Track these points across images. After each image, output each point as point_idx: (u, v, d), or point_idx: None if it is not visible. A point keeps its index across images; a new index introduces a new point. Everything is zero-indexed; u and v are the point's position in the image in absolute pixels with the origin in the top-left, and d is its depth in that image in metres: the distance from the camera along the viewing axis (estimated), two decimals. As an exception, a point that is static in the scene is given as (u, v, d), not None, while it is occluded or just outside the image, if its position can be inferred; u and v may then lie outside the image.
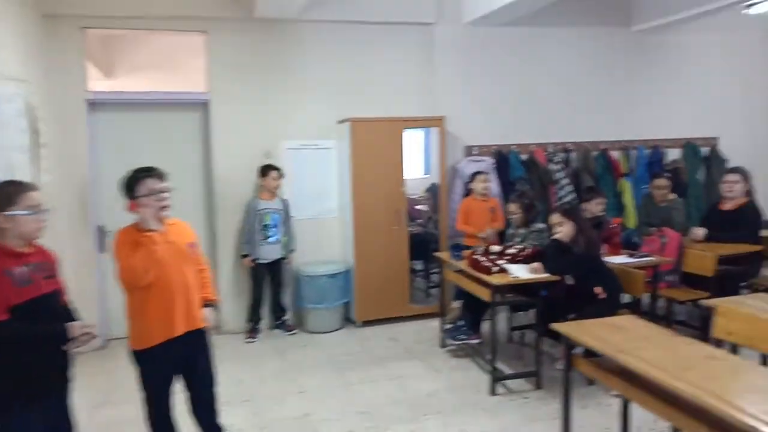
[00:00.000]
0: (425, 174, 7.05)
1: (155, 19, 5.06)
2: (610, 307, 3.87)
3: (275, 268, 5.23)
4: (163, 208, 2.70)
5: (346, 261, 5.52)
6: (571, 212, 3.89)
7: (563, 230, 3.88)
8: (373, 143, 5.34)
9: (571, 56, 6.31)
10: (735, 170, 4.91)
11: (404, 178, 5.48)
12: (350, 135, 5.27)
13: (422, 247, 5.93)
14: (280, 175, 5.18)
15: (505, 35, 6.05)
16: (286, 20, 5.35)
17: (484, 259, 4.13)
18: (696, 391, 1.97)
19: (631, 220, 6.19)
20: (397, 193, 5.45)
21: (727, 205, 4.83)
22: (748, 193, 4.84)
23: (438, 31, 5.88)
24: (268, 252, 5.14)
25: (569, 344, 2.75)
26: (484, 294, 3.97)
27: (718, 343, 3.00)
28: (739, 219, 4.72)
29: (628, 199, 6.38)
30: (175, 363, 2.79)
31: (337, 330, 5.34)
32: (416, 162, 6.93)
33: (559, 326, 2.78)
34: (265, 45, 5.35)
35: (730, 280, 4.64)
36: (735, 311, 2.84)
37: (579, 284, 3.95)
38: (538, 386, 3.96)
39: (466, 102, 6.00)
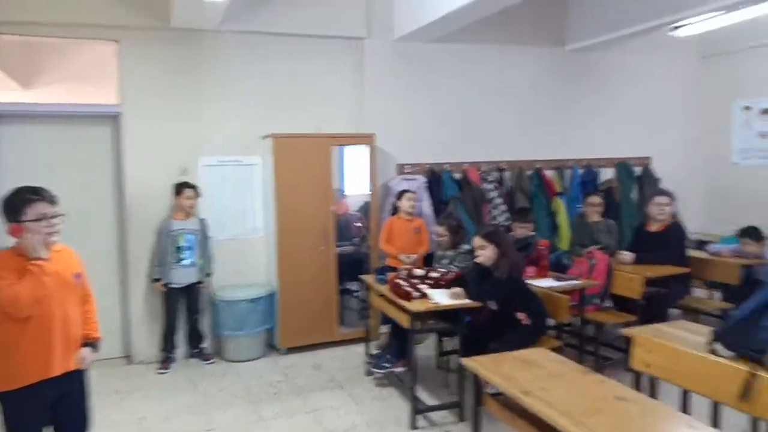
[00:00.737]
0: (370, 191, 6.85)
1: (64, 27, 4.70)
2: (533, 333, 3.74)
3: (190, 293, 4.89)
4: (52, 234, 2.44)
5: (270, 284, 5.23)
6: (493, 235, 3.73)
7: (485, 254, 3.72)
8: (299, 160, 5.10)
9: (505, 74, 6.24)
10: (664, 192, 4.90)
11: (343, 194, 5.24)
12: (273, 151, 5.02)
13: (356, 267, 5.71)
14: (196, 194, 4.86)
15: (438, 52, 5.93)
16: (204, 30, 5.07)
17: (405, 283, 3.93)
18: (597, 441, 1.80)
19: (564, 240, 6.13)
20: (324, 212, 5.21)
21: (654, 227, 4.80)
22: (673, 214, 4.82)
23: (369, 45, 5.70)
24: (182, 276, 4.80)
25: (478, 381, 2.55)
26: (404, 320, 3.77)
27: (638, 376, 2.88)
28: (665, 240, 4.69)
29: (563, 218, 6.32)
30: (47, 406, 2.50)
31: (258, 358, 5.03)
32: (360, 178, 6.73)
33: (468, 361, 2.59)
34: (181, 56, 5.05)
35: (659, 302, 4.60)
36: (652, 342, 2.71)
37: (502, 310, 3.80)
38: (461, 418, 3.76)
39: (399, 119, 5.83)
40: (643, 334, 2.77)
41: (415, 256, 4.98)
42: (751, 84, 6.61)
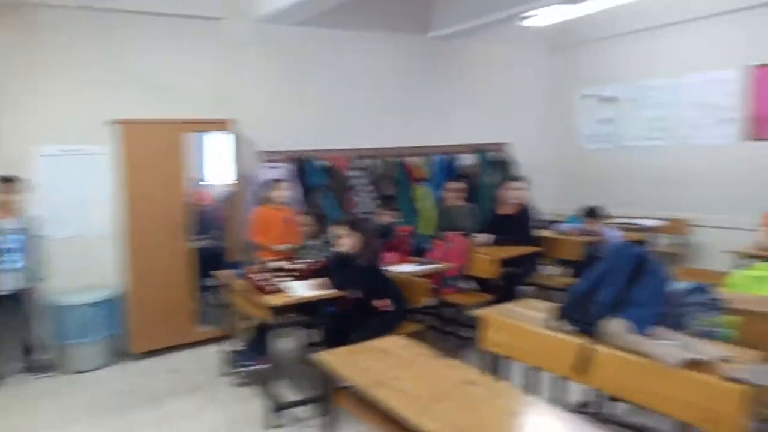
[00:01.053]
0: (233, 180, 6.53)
1: None
2: (395, 319, 3.74)
3: (17, 301, 4.33)
4: None
5: (118, 284, 4.80)
6: (355, 223, 3.68)
7: (347, 242, 3.65)
8: (149, 148, 4.72)
9: (369, 61, 6.21)
10: (518, 178, 5.14)
11: (204, 184, 4.90)
12: (121, 139, 4.59)
13: (219, 261, 5.40)
14: (17, 188, 4.30)
15: (300, 35, 5.75)
16: (31, 5, 4.49)
17: (263, 277, 3.75)
18: (440, 427, 1.77)
19: (427, 225, 6.24)
20: (177, 204, 4.86)
21: (506, 210, 5.02)
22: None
23: (227, 26, 5.39)
24: (4, 281, 4.23)
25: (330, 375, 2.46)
26: (263, 315, 3.60)
27: (492, 357, 2.94)
28: (517, 222, 4.92)
29: (426, 204, 6.44)
30: None
31: (106, 366, 4.60)
32: (223, 167, 6.37)
33: (321, 355, 2.49)
34: (3, 35, 4.44)
35: (513, 281, 4.81)
36: (501, 322, 2.78)
37: (365, 298, 3.75)
38: (325, 412, 3.67)
39: (261, 105, 5.60)
40: (491, 315, 2.83)
41: (290, 246, 4.81)
42: (595, 73, 7.13)
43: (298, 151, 5.75)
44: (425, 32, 6.44)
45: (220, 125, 5.14)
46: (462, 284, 4.72)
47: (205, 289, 5.56)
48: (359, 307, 3.79)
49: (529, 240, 4.94)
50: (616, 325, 2.31)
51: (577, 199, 6.00)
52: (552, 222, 6.21)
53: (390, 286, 3.76)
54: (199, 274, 5.12)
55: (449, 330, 4.59)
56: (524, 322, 2.72)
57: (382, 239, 4.58)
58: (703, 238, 6.10)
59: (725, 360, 2.13)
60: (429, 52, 6.55)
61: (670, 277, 2.54)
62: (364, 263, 3.58)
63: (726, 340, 2.64)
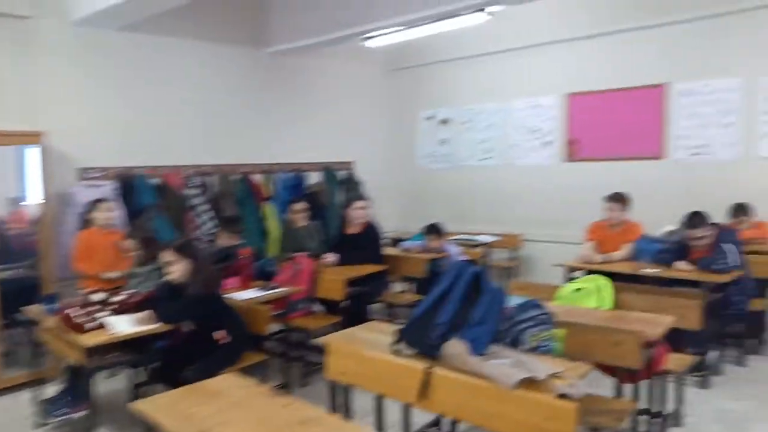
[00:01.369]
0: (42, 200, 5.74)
1: None
2: (234, 351, 3.48)
3: None
4: None
5: None
6: (185, 248, 3.36)
7: (177, 269, 3.33)
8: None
9: (205, 72, 5.88)
10: (362, 197, 5.13)
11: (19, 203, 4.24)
12: None
13: (29, 294, 4.69)
14: None
15: (128, 42, 5.28)
16: None
17: (79, 312, 3.29)
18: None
19: (274, 247, 6.02)
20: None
21: (352, 229, 4.98)
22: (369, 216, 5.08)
23: (38, 27, 4.78)
24: None
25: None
26: (77, 357, 3.14)
27: (333, 387, 2.82)
28: (363, 241, 4.89)
29: (272, 224, 6.21)
30: None
31: None
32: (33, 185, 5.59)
33: (139, 405, 2.18)
34: None
35: (361, 301, 4.76)
36: (343, 348, 2.67)
37: (200, 329, 3.45)
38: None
39: (80, 116, 5.04)
40: (334, 342, 2.71)
41: (118, 273, 4.31)
42: (432, 96, 7.41)
43: (126, 167, 5.24)
44: (264, 47, 6.23)
45: (28, 138, 4.50)
46: (310, 307, 4.56)
47: (13, 326, 4.82)
48: (193, 341, 3.47)
49: (376, 259, 4.93)
50: (454, 347, 2.31)
51: (419, 217, 6.16)
52: (397, 240, 6.32)
53: (228, 315, 3.49)
54: (7, 309, 4.43)
55: (297, 356, 4.40)
56: (367, 347, 2.63)
57: (222, 263, 4.30)
58: (535, 252, 6.56)
59: (556, 376, 2.19)
60: (270, 67, 6.36)
61: (504, 294, 2.59)
62: (196, 292, 3.28)
63: (557, 353, 2.78)
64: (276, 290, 4.05)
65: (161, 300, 3.34)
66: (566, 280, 4.56)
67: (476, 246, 6.17)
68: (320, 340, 2.80)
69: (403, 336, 2.52)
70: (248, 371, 3.66)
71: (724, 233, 4.17)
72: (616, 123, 5.90)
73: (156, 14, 4.79)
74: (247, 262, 4.19)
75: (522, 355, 2.44)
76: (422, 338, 2.44)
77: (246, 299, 3.84)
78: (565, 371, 2.25)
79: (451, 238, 5.74)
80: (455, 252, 5.45)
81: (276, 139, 6.48)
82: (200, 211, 5.61)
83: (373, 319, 4.71)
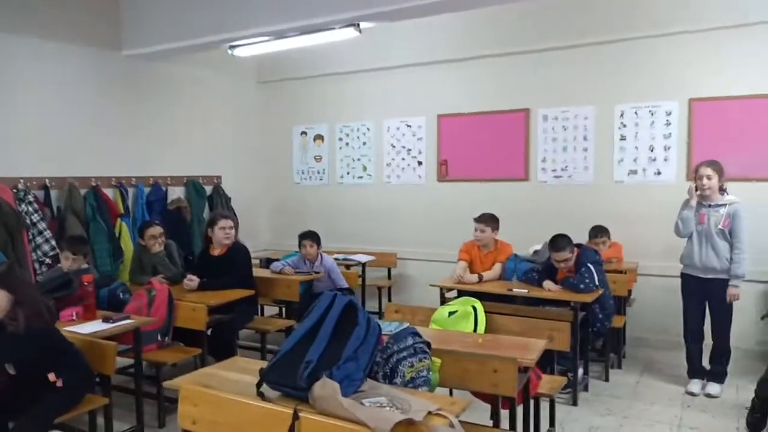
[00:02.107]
0: None
1: None
2: (69, 397, 2.98)
3: None
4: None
5: None
6: (2, 277, 2.81)
7: (-7, 303, 2.78)
8: None
9: (50, 75, 5.18)
10: (227, 215, 4.76)
11: None
12: None
13: None
14: None
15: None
16: None
17: None
18: None
19: (129, 269, 5.41)
20: None
21: (217, 250, 4.59)
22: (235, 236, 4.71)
23: None
24: None
25: None
26: None
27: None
28: (229, 263, 4.51)
29: (127, 243, 5.60)
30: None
31: None
32: None
33: None
34: None
35: (226, 329, 4.37)
36: (200, 393, 2.32)
37: (23, 372, 2.92)
38: None
39: None
40: (185, 386, 2.35)
41: None
42: (306, 111, 7.17)
43: (-58, 179, 4.46)
44: (119, 49, 5.64)
45: None
46: (165, 339, 4.09)
47: None
48: (17, 387, 2.93)
49: (244, 282, 4.57)
50: (323, 388, 2.06)
51: (294, 235, 5.87)
52: (270, 260, 5.98)
53: (62, 354, 2.98)
54: None
55: (152, 393, 3.92)
56: (225, 390, 2.31)
57: (60, 292, 3.73)
58: (410, 271, 6.53)
59: (434, 414, 2.03)
60: (127, 71, 5.76)
61: (379, 326, 2.40)
62: (18, 330, 2.75)
63: (433, 384, 2.64)
64: (124, 322, 3.55)
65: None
66: (441, 300, 4.51)
67: (352, 265, 6.01)
68: (170, 383, 2.43)
69: (267, 376, 2.24)
70: (92, 416, 3.20)
71: (587, 253, 4.33)
72: (484, 145, 6.04)
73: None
74: (90, 290, 3.64)
75: (398, 391, 2.26)
76: (289, 378, 2.17)
77: (88, 333, 3.33)
78: (444, 407, 2.10)
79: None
80: (330, 264, 5.24)
81: (133, 150, 5.89)
82: (38, 230, 4.90)
83: (235, 351, 4.41)
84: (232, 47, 5.15)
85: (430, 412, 2.04)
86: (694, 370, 4.38)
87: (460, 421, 2.86)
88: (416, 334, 2.61)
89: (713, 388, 4.26)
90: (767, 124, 4.90)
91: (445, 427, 1.98)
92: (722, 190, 4.17)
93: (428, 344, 2.61)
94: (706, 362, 4.38)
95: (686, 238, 4.27)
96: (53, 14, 5.10)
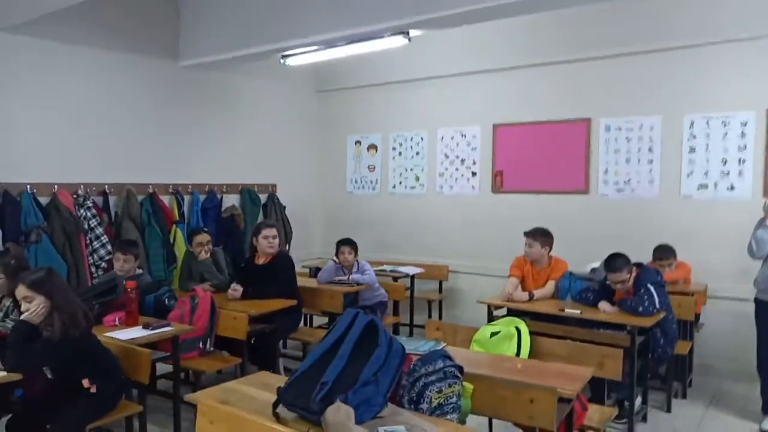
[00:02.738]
0: None
1: None
2: (102, 402, 3.01)
3: None
4: None
5: None
6: (41, 283, 2.87)
7: (33, 308, 2.83)
8: None
9: (111, 84, 5.36)
10: (272, 224, 4.75)
11: None
12: None
13: None
14: None
15: (16, 44, 4.73)
16: None
17: None
18: None
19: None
20: None
21: (262, 259, 4.58)
22: (280, 245, 4.69)
23: None
24: None
25: None
26: None
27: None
28: (273, 272, 4.49)
29: (181, 249, 5.70)
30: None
31: None
32: None
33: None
34: None
35: (268, 340, 4.35)
36: (217, 410, 2.26)
37: (61, 377, 2.97)
38: None
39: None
40: (205, 399, 2.30)
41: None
42: (361, 120, 7.13)
43: (7, 183, 4.67)
44: (176, 59, 5.77)
45: None
46: (206, 347, 4.10)
47: None
48: (55, 390, 2.99)
49: (287, 292, 4.53)
50: (337, 413, 1.94)
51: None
52: (319, 269, 5.94)
53: (98, 360, 3.01)
54: None
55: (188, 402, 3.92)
56: (243, 406, 2.24)
57: (105, 297, 3.81)
58: (462, 284, 6.33)
59: (452, 446, 1.88)
60: (185, 81, 5.90)
61: (403, 348, 2.27)
62: (54, 335, 2.80)
63: (464, 412, 2.47)
64: (163, 330, 3.57)
65: (11, 343, 2.82)
66: (489, 317, 4.32)
67: (400, 277, 5.89)
68: (190, 397, 2.38)
69: (284, 396, 2.14)
70: (128, 423, 3.23)
71: (647, 273, 4.02)
72: (542, 155, 5.77)
73: (56, 18, 4.33)
74: (132, 296, 3.69)
75: (420, 419, 2.11)
76: (304, 400, 2.07)
77: (126, 339, 3.36)
78: (464, 440, 1.94)
79: (375, 268, 5.44)
80: (368, 271, 5.12)
81: (189, 158, 6.01)
82: (96, 234, 5.07)
83: (277, 361, 4.38)
84: (284, 57, 5.16)
85: (448, 445, 1.89)
86: (770, 406, 3.97)
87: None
88: (447, 357, 2.46)
89: (790, 427, 3.85)
90: None
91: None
92: (803, 209, 3.77)
93: (460, 368, 2.45)
94: (783, 398, 3.96)
95: (761, 260, 3.89)
96: (115, 25, 5.28)
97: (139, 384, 3.24)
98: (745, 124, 4.84)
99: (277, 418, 2.12)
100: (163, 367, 3.98)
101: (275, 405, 2.14)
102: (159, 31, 5.64)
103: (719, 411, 4.27)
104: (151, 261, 5.43)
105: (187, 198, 5.96)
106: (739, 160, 4.88)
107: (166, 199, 5.75)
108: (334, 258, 5.21)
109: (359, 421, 1.99)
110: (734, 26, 4.77)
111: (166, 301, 4.30)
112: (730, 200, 4.90)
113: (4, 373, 2.79)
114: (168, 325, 3.68)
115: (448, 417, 2.32)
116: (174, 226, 5.75)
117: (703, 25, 4.90)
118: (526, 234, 4.57)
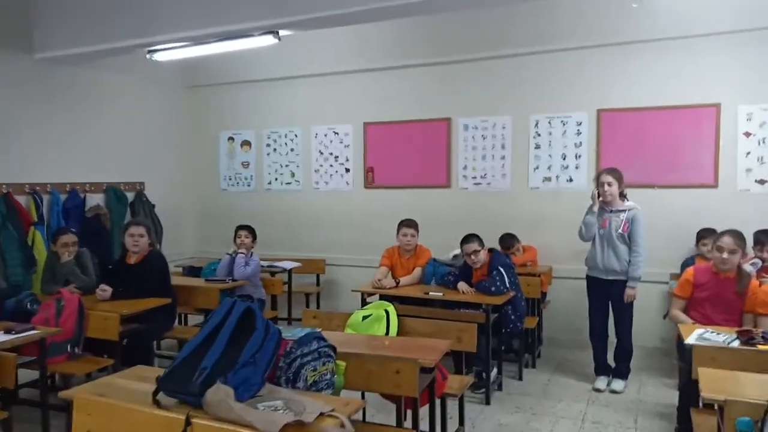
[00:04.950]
0: None
1: None
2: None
3: None
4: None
5: None
6: None
7: None
8: None
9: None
10: (140, 222, 4.68)
11: None
12: None
13: None
14: None
15: None
16: None
17: None
18: None
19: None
20: None
21: (133, 259, 4.51)
22: (152, 244, 4.63)
23: None
24: None
25: None
26: None
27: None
28: (145, 271, 4.44)
29: (41, 252, 5.40)
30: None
31: None
32: None
33: None
34: None
35: (141, 340, 4.29)
36: (94, 402, 2.29)
37: None
38: None
39: None
40: (79, 395, 2.32)
41: None
42: (233, 117, 7.13)
43: None
44: (30, 52, 5.45)
45: None
46: (75, 350, 3.98)
47: None
48: None
49: (161, 290, 4.49)
50: (217, 393, 2.08)
51: (221, 242, 5.84)
52: (193, 268, 5.91)
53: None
54: None
55: (57, 406, 3.79)
56: (121, 398, 2.29)
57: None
58: (339, 276, 6.57)
59: (325, 415, 2.09)
60: (40, 75, 5.58)
61: (279, 331, 2.44)
62: None
63: (338, 387, 2.69)
64: (28, 333, 3.44)
65: None
66: (363, 305, 4.58)
67: (277, 272, 6.00)
68: (64, 393, 2.39)
69: (164, 384, 2.24)
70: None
71: (498, 257, 4.51)
72: (409, 153, 6.18)
73: None
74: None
75: (296, 394, 2.30)
76: (184, 385, 2.18)
77: (-14, 346, 3.21)
78: (337, 408, 2.16)
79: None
80: (253, 269, 5.20)
81: (48, 156, 5.70)
82: (-59, 238, 4.68)
83: (152, 361, 4.34)
84: (152, 52, 5.07)
85: (322, 414, 2.10)
86: (600, 368, 4.62)
87: (366, 422, 2.95)
88: (321, 338, 2.67)
89: (617, 384, 4.50)
90: (667, 133, 5.24)
91: (336, 428, 2.04)
92: (623, 196, 4.43)
93: (333, 348, 2.67)
94: (612, 360, 4.62)
95: (589, 241, 4.51)
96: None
97: (3, 390, 3.12)
98: (580, 123, 5.55)
99: (158, 405, 2.21)
100: (26, 374, 3.82)
101: (155, 393, 2.23)
102: (11, 22, 5.29)
103: (562, 376, 4.88)
104: (7, 265, 5.12)
105: (46, 198, 5.65)
106: (576, 155, 5.59)
107: (22, 200, 5.42)
108: (229, 252, 5.25)
109: (239, 400, 2.14)
110: (571, 35, 5.44)
111: (29, 305, 4.10)
112: (570, 191, 5.59)
113: None
114: (33, 328, 3.54)
115: (323, 393, 2.54)
116: (32, 227, 5.43)
117: (545, 33, 5.55)
118: (407, 224, 4.88)
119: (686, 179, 5.21)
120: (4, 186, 5.26)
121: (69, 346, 3.95)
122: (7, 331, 3.43)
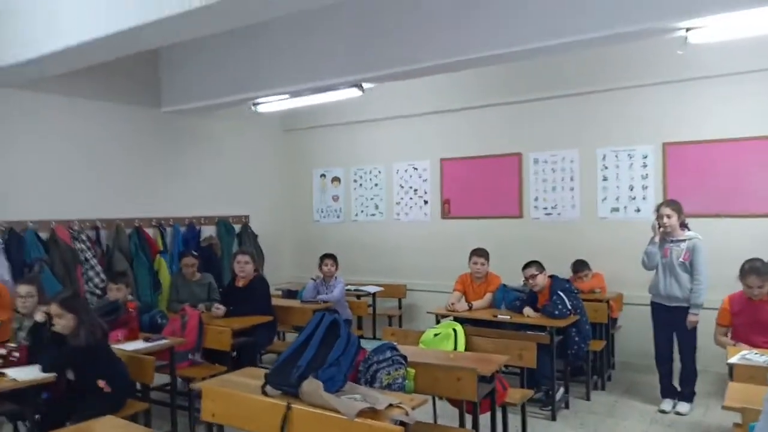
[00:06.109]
0: None
1: None
2: (115, 399, 3.65)
3: None
4: None
5: None
6: (69, 302, 3.55)
7: (62, 322, 3.50)
8: None
9: (100, 131, 6.08)
10: (245, 251, 5.49)
11: None
12: None
13: None
14: None
15: (23, 100, 5.42)
16: None
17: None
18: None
19: (166, 299, 6.16)
20: None
21: (241, 282, 5.29)
22: (257, 269, 5.40)
23: None
24: None
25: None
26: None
27: (209, 427, 3.09)
28: (251, 293, 5.20)
29: (164, 277, 6.35)
30: None
31: None
32: None
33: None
34: None
35: (248, 351, 5.03)
36: (215, 391, 2.97)
37: (80, 378, 3.61)
38: None
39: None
40: (207, 386, 3.01)
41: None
42: (324, 156, 7.96)
43: (12, 221, 5.29)
44: (158, 106, 6.52)
45: None
46: (196, 358, 4.77)
47: None
48: (74, 390, 3.63)
49: (264, 310, 5.23)
50: (310, 385, 2.69)
51: (313, 269, 6.55)
52: (290, 291, 6.63)
53: (111, 365, 3.67)
54: None
55: (183, 405, 4.57)
56: (237, 389, 2.95)
57: (109, 316, 4.45)
58: (417, 301, 7.09)
59: (394, 406, 2.63)
60: (165, 125, 6.64)
61: (357, 339, 3.02)
62: (79, 343, 3.47)
63: (408, 389, 3.22)
64: (161, 342, 4.25)
65: (45, 349, 3.48)
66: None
67: (362, 296, 6.62)
68: (196, 385, 3.08)
69: (270, 378, 2.88)
70: (134, 419, 3.86)
71: (558, 282, 4.87)
72: (483, 185, 6.68)
73: (55, 75, 5.01)
74: (133, 315, 4.37)
75: (373, 391, 2.86)
76: (285, 379, 2.81)
77: (132, 350, 4.02)
78: (403, 402, 2.69)
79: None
80: (339, 293, 5.81)
81: (171, 194, 6.71)
82: (90, 265, 5.69)
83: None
84: (255, 104, 5.94)
85: (391, 405, 2.64)
86: (665, 390, 4.81)
87: (436, 424, 3.46)
88: (394, 348, 3.22)
89: (683, 407, 4.68)
90: (731, 165, 5.41)
91: (401, 415, 2.56)
92: (684, 226, 4.67)
93: (404, 357, 3.22)
94: (677, 383, 4.80)
95: (653, 270, 4.76)
96: (104, 79, 5.93)
97: (144, 385, 3.90)
98: (646, 156, 5.82)
99: (266, 394, 2.84)
100: (156, 379, 4.62)
101: (264, 385, 2.87)
102: (143, 84, 6.38)
103: (630, 398, 5.09)
104: (139, 287, 6.06)
105: (169, 230, 6.64)
106: (643, 187, 5.84)
107: (150, 232, 6.41)
108: (313, 277, 5.95)
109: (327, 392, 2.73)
110: (633, 74, 5.76)
111: (159, 320, 4.96)
112: (637, 220, 5.83)
113: (44, 375, 3.42)
114: (164, 338, 4.35)
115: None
116: (158, 255, 6.40)
117: (612, 73, 5.89)
118: (477, 254, 5.33)
119: (751, 208, 5.34)
120: (136, 220, 6.27)
121: (191, 354, 4.75)
122: (146, 340, 4.26)
